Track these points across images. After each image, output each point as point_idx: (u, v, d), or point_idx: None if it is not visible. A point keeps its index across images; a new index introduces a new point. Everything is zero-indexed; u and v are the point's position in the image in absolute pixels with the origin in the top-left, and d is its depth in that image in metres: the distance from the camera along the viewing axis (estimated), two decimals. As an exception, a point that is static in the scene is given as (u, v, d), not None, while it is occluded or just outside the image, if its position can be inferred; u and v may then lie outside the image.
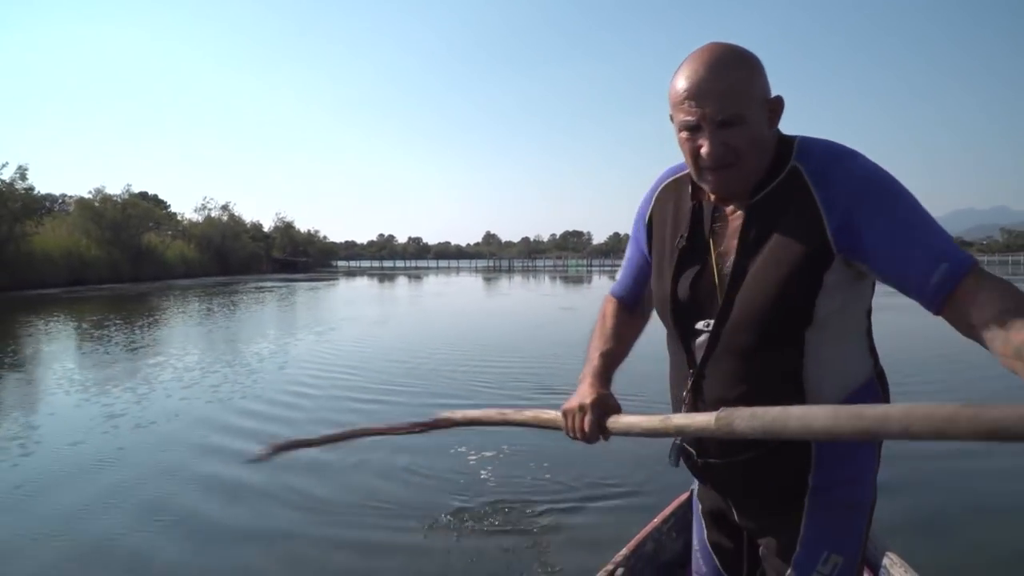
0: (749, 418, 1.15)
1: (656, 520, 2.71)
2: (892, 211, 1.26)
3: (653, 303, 1.62)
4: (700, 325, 1.45)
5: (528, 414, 1.66)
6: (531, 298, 28.25)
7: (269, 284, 41.55)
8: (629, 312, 1.73)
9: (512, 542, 3.81)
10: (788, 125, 1.45)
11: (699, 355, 1.45)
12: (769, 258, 1.35)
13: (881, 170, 1.32)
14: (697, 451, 1.50)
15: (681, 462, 1.58)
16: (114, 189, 51.46)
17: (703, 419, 1.23)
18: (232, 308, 23.12)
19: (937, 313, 1.22)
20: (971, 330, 1.17)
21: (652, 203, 1.62)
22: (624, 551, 2.43)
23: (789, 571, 1.44)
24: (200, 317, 19.79)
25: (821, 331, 1.35)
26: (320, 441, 2.03)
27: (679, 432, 1.31)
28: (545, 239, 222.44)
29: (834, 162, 1.33)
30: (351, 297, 30.42)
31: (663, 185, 1.61)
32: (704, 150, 1.35)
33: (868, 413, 0.99)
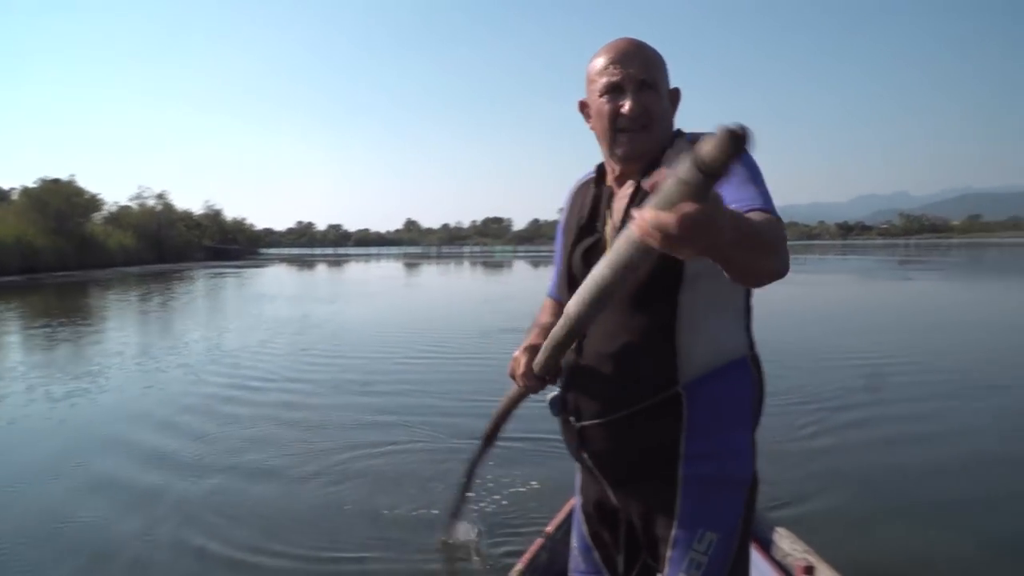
0: (573, 298, 1.29)
1: (548, 528, 2.69)
2: (735, 175, 1.33)
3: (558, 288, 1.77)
4: None
5: (509, 395, 1.85)
6: (478, 281, 31.45)
7: (219, 270, 43.15)
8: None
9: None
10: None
11: None
12: None
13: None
14: (576, 415, 1.59)
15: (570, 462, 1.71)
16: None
17: (561, 319, 1.38)
18: (223, 288, 25.82)
19: None
20: None
21: (567, 203, 1.76)
22: (519, 566, 2.42)
23: (668, 552, 1.50)
24: (209, 297, 22.42)
25: (693, 293, 1.45)
26: (465, 488, 2.24)
27: (556, 342, 1.45)
28: (466, 225, 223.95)
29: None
30: (317, 279, 33.17)
31: (576, 187, 1.76)
32: (625, 108, 1.49)
33: (618, 245, 1.09)
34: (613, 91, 1.52)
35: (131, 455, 5.18)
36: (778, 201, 1.40)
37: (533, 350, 1.61)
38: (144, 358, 9.74)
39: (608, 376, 1.52)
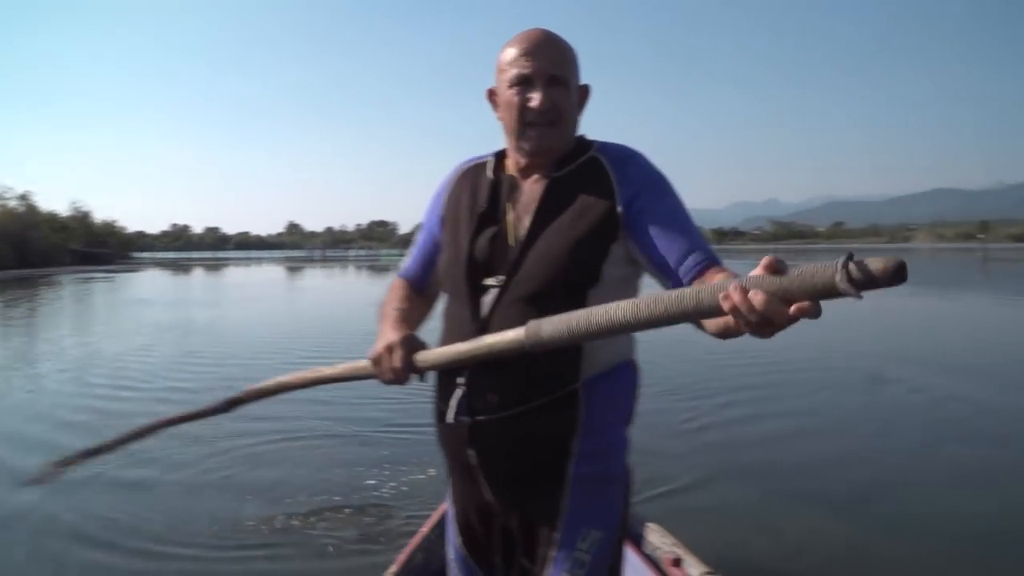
0: (556, 322, 1.21)
1: (424, 529, 2.65)
2: (666, 203, 1.45)
3: (441, 273, 1.65)
4: (490, 281, 1.51)
5: (340, 368, 1.65)
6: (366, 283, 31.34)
7: (89, 275, 40.97)
8: (417, 293, 1.75)
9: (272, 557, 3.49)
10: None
11: (486, 309, 1.50)
12: (564, 223, 1.47)
13: (662, 173, 1.51)
14: (469, 409, 1.50)
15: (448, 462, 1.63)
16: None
17: (513, 334, 1.29)
18: (95, 294, 24.68)
19: None
20: None
21: (451, 185, 1.68)
22: (393, 568, 2.39)
23: (551, 552, 1.48)
24: (82, 303, 21.41)
25: (603, 293, 1.42)
26: (112, 445, 1.85)
27: (490, 351, 1.34)
28: (351, 229, 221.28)
29: (630, 157, 1.52)
30: (195, 284, 32.14)
31: (463, 170, 1.69)
32: (534, 102, 1.47)
33: (663, 296, 1.05)
34: (523, 83, 1.48)
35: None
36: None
37: (411, 342, 1.52)
38: (20, 363, 9.41)
39: (510, 371, 1.45)
